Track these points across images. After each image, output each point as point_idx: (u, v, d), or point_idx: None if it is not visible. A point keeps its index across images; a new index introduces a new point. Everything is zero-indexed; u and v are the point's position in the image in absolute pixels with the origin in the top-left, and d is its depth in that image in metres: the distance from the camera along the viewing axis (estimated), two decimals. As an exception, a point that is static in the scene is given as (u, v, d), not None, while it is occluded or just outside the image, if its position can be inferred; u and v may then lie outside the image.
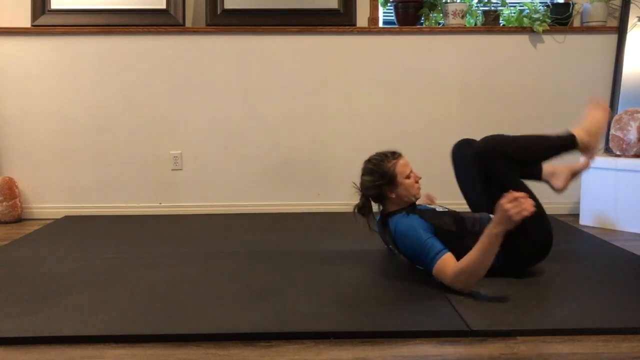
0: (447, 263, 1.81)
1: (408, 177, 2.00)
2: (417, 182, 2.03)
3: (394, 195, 2.00)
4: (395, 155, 2.03)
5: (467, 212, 2.11)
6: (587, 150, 2.06)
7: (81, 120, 3.19)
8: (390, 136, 3.25)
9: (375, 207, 2.10)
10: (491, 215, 2.01)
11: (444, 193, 3.27)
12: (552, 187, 2.30)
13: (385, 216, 2.07)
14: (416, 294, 1.82)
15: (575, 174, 2.29)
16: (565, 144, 2.03)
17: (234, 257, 2.30)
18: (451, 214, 2.03)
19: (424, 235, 1.89)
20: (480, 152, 1.97)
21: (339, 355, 1.45)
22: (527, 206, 1.66)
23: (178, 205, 3.28)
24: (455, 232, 1.96)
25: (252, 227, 2.87)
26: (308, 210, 3.25)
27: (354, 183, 2.09)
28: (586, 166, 2.26)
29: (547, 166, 2.29)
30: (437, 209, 2.08)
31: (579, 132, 2.05)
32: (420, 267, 1.97)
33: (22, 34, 3.11)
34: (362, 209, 2.07)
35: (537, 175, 2.30)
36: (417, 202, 2.13)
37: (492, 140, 1.97)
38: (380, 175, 1.99)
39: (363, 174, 2.05)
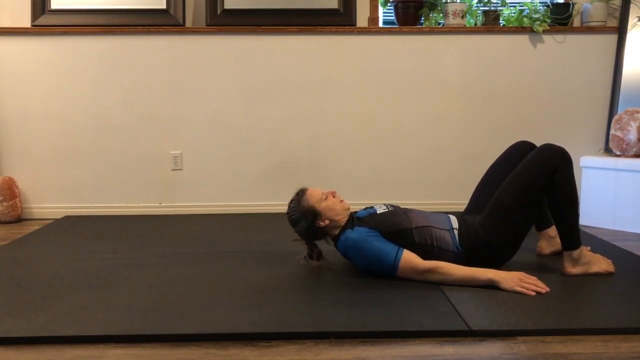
0: (412, 257, 1.89)
1: (325, 199, 2.01)
2: (334, 197, 2.03)
3: (327, 222, 2.00)
4: (301, 192, 2.04)
5: (416, 210, 2.12)
6: (570, 265, 2.02)
7: (81, 120, 3.19)
8: (390, 136, 3.25)
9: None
10: (450, 216, 2.06)
11: (444, 193, 3.27)
12: (539, 247, 2.29)
13: (335, 242, 2.06)
14: (416, 294, 1.82)
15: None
16: (574, 236, 1.99)
17: (234, 257, 2.30)
18: (391, 213, 2.03)
19: (375, 241, 1.92)
20: (550, 147, 1.95)
21: (339, 355, 1.45)
22: (538, 289, 1.81)
23: (178, 205, 3.28)
24: (402, 230, 1.97)
25: (252, 227, 2.87)
26: (308, 210, 3.25)
27: (294, 240, 2.09)
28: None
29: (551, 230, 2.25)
30: (377, 211, 2.05)
31: (585, 251, 2.04)
32: (381, 273, 1.95)
33: (22, 34, 3.11)
34: (312, 254, 2.08)
35: (542, 226, 2.26)
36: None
37: (566, 153, 1.94)
38: (304, 217, 1.99)
39: (293, 227, 2.05)
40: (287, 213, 2.06)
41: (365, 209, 2.13)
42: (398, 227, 1.97)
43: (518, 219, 1.96)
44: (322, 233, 2.04)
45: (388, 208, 2.08)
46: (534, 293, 1.78)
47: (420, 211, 2.10)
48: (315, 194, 2.01)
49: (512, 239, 1.98)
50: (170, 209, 3.27)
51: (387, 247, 1.91)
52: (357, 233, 1.95)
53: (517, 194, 1.94)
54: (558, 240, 2.23)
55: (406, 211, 2.07)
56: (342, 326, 1.58)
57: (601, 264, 2.04)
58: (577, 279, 1.98)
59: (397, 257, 1.88)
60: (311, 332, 1.55)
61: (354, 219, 2.03)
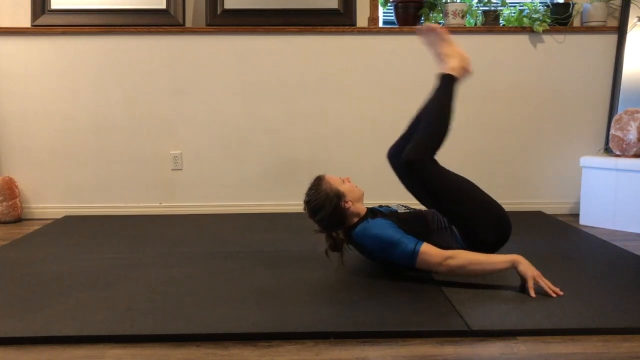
0: (432, 247, 1.86)
1: (343, 182, 2.02)
2: (350, 182, 2.06)
3: (349, 204, 1.98)
4: (319, 178, 2.03)
5: (426, 210, 2.12)
6: (463, 69, 2.14)
7: (81, 120, 3.19)
8: (390, 136, 3.23)
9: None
10: None
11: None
12: None
13: (349, 231, 2.03)
14: (416, 294, 1.82)
15: None
16: (449, 82, 2.11)
17: (234, 257, 2.30)
18: (413, 214, 2.05)
19: (395, 231, 1.91)
20: (408, 164, 1.96)
21: (339, 355, 1.45)
22: (550, 291, 1.79)
23: (178, 205, 3.28)
24: (422, 232, 1.96)
25: (252, 227, 2.87)
26: (308, 210, 3.25)
27: (314, 231, 2.05)
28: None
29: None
30: (399, 210, 2.08)
31: (452, 68, 2.14)
32: (399, 264, 1.93)
33: (22, 34, 3.11)
34: (335, 246, 2.02)
35: None
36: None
37: (414, 150, 1.97)
38: (328, 200, 1.96)
39: (314, 216, 1.99)
40: (307, 201, 2.00)
41: (380, 206, 2.14)
42: (417, 231, 1.96)
43: (466, 204, 1.98)
44: (344, 218, 1.99)
45: (408, 209, 2.09)
46: (544, 285, 1.78)
47: (431, 211, 2.09)
48: (335, 178, 2.03)
49: (483, 217, 1.98)
50: (170, 209, 3.27)
51: (407, 236, 1.89)
52: (379, 222, 1.94)
53: (450, 200, 1.97)
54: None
55: (424, 213, 2.07)
56: (342, 326, 1.58)
57: (455, 60, 2.16)
58: (577, 279, 1.98)
59: (418, 244, 1.85)
60: (311, 332, 1.55)
61: (375, 212, 2.03)
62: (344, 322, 1.60)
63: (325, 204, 1.96)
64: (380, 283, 1.92)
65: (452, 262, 1.82)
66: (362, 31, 3.16)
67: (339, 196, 1.97)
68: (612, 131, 2.95)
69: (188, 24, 3.20)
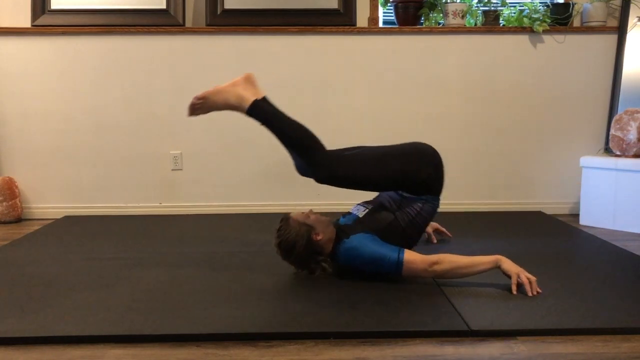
0: (415, 255, 1.89)
1: (308, 216, 2.02)
2: (313, 214, 2.06)
3: (320, 236, 1.97)
4: (284, 218, 2.02)
5: (378, 195, 2.21)
6: (250, 85, 2.26)
7: (81, 120, 3.19)
8: (390, 136, 3.25)
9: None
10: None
11: (444, 193, 3.26)
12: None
13: (331, 256, 2.03)
14: (416, 294, 1.82)
15: None
16: (259, 108, 2.23)
17: (234, 257, 2.30)
18: (373, 209, 2.09)
19: (374, 244, 1.93)
20: (326, 180, 2.09)
21: (339, 355, 1.45)
22: (530, 288, 1.81)
23: (178, 205, 3.28)
24: (390, 223, 2.02)
25: (252, 227, 2.87)
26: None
27: (294, 271, 2.06)
28: None
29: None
30: (360, 215, 2.09)
31: (246, 99, 2.25)
32: (388, 273, 1.94)
33: (22, 34, 3.11)
34: (324, 270, 2.03)
35: None
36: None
37: (316, 167, 2.08)
38: (299, 236, 1.95)
39: (289, 255, 1.99)
40: (279, 243, 1.98)
41: (344, 216, 2.15)
42: (385, 222, 2.03)
43: (388, 167, 2.06)
44: (319, 249, 2.00)
45: (367, 207, 2.12)
46: (527, 281, 1.80)
47: (381, 194, 2.18)
48: (299, 214, 2.03)
49: (410, 165, 2.07)
50: (170, 209, 3.27)
51: (387, 248, 1.91)
52: (356, 239, 1.95)
53: (375, 177, 2.07)
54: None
55: (381, 201, 2.12)
56: (342, 326, 1.58)
57: (238, 91, 2.27)
58: (576, 279, 1.98)
59: (401, 253, 1.87)
60: (311, 332, 1.55)
61: (344, 229, 2.02)
62: (344, 322, 1.61)
63: (297, 240, 1.95)
64: (380, 283, 1.92)
65: (437, 267, 1.85)
66: (362, 31, 3.16)
67: (308, 229, 1.97)
68: (612, 131, 2.95)
69: (188, 24, 3.20)
